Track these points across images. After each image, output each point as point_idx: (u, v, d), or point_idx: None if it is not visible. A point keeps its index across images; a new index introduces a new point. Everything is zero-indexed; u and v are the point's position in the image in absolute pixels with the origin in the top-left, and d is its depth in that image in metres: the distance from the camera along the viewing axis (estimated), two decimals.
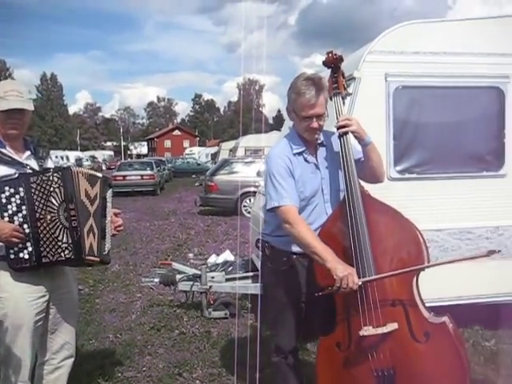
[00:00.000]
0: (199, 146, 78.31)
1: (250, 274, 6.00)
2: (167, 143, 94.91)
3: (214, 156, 35.85)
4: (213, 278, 5.84)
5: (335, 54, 3.06)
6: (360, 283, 2.70)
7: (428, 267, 2.81)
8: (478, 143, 4.81)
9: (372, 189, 3.03)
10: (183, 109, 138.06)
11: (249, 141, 23.62)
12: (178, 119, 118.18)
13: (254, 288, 5.60)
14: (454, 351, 2.82)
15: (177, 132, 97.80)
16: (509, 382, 4.03)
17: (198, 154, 53.47)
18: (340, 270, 2.66)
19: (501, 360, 4.38)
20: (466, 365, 2.84)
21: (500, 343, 4.76)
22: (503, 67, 4.71)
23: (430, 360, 2.80)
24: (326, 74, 3.19)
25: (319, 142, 3.06)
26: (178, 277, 5.95)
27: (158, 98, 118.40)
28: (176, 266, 6.34)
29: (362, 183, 3.00)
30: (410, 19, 4.75)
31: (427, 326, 2.82)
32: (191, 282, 5.84)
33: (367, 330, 2.77)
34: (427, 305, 2.91)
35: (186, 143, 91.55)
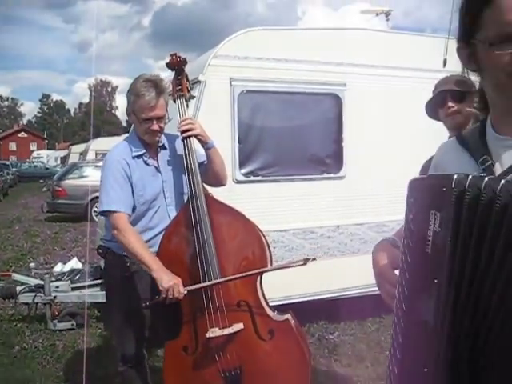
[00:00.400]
0: (48, 149, 74.25)
1: (99, 281, 5.77)
2: (12, 146, 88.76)
3: (64, 160, 34.22)
4: (57, 287, 5.53)
5: (179, 57, 3.04)
6: (185, 292, 2.70)
7: (249, 276, 2.83)
8: (318, 147, 5.07)
9: (217, 191, 3.06)
10: (30, 109, 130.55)
11: (100, 144, 22.78)
12: (24, 120, 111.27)
13: (102, 296, 5.38)
14: (296, 346, 2.92)
15: (23, 134, 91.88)
16: (349, 371, 4.28)
17: (47, 157, 50.74)
18: (165, 280, 2.65)
19: (342, 351, 4.65)
20: (307, 358, 2.95)
21: (342, 335, 5.05)
22: (340, 75, 4.99)
23: (275, 356, 2.88)
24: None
25: (160, 144, 3.02)
26: (19, 288, 5.55)
27: (1, 98, 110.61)
28: (16, 276, 5.91)
29: (207, 187, 3.01)
30: (263, 26, 4.90)
31: (271, 324, 2.89)
32: (33, 294, 5.47)
33: (213, 332, 2.78)
34: (276, 303, 3.00)
35: (33, 146, 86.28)
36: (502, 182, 0.98)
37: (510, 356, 0.93)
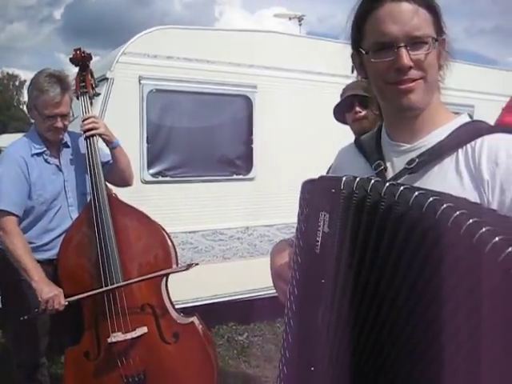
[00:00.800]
0: None
1: None
2: None
3: None
4: None
5: (83, 52, 2.94)
6: (66, 303, 2.63)
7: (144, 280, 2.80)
8: (228, 148, 5.07)
9: (125, 192, 2.99)
10: None
11: (6, 140, 21.66)
12: None
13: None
14: (201, 349, 2.90)
15: None
16: (257, 371, 4.31)
17: None
18: (45, 291, 2.57)
19: (252, 352, 4.67)
20: (213, 361, 2.94)
21: (251, 336, 5.07)
22: (251, 77, 5.02)
23: (180, 360, 2.85)
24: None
25: (63, 142, 2.90)
26: None
27: None
28: None
29: (114, 188, 2.93)
30: (178, 25, 4.84)
31: (176, 327, 2.86)
32: None
33: (116, 337, 2.71)
34: (184, 306, 2.97)
35: None
36: (387, 184, 1.00)
37: (400, 357, 0.95)
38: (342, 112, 2.85)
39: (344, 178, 1.04)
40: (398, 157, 1.20)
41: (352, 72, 4.96)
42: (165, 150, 4.69)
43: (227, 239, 4.98)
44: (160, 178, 4.68)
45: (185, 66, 4.70)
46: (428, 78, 1.13)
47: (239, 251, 5.05)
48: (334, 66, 5.48)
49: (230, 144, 5.06)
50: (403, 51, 1.10)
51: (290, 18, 7.81)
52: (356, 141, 1.37)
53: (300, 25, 7.80)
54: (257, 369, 4.36)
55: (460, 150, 1.12)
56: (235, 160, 5.08)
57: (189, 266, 2.83)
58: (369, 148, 1.29)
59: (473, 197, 1.05)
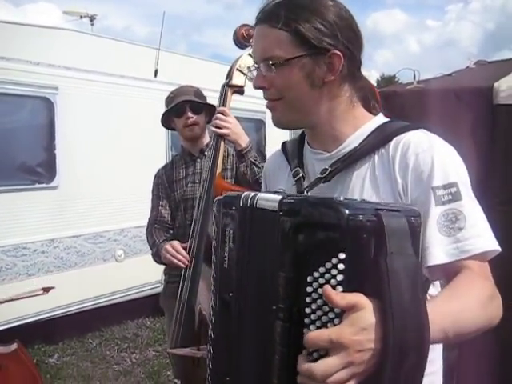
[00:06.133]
0: None
1: None
2: None
3: None
4: None
5: None
6: None
7: None
8: (28, 154, 4.67)
9: None
10: None
11: None
12: None
13: None
14: (31, 375, 2.66)
15: None
16: None
17: None
18: None
19: (67, 373, 4.34)
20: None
21: (63, 356, 4.73)
22: (52, 78, 4.67)
23: None
24: None
25: None
26: None
27: None
28: None
29: None
30: None
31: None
32: None
33: None
34: None
35: None
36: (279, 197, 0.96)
37: None
38: (169, 117, 2.76)
39: (243, 195, 1.06)
40: (320, 165, 1.17)
41: (155, 76, 4.97)
42: None
43: (32, 254, 4.56)
44: None
45: None
46: (287, 98, 1.12)
47: (45, 266, 4.66)
48: (138, 70, 5.40)
49: (30, 150, 4.65)
50: (258, 72, 1.14)
51: (81, 17, 7.45)
52: (283, 145, 1.33)
53: (92, 24, 7.48)
54: None
55: (375, 155, 1.11)
56: (36, 167, 4.68)
57: (45, 290, 2.57)
58: (291, 153, 1.27)
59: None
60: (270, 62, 1.09)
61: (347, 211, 0.81)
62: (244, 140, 2.39)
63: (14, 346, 2.66)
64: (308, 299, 0.83)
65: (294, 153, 1.26)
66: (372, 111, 1.21)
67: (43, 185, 4.71)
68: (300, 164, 1.22)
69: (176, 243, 2.42)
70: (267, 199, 0.98)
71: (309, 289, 0.83)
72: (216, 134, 2.34)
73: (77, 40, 5.02)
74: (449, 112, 2.64)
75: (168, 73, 5.26)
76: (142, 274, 5.37)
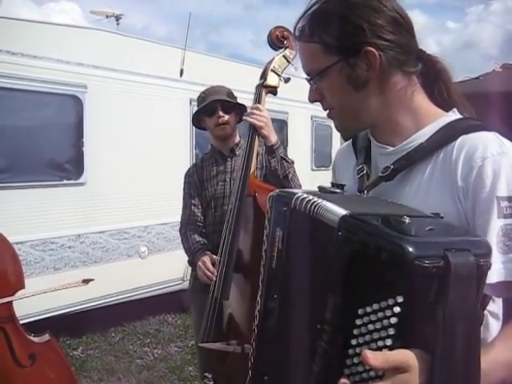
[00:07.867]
0: None
1: None
2: None
3: None
4: None
5: None
6: None
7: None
8: (57, 151, 4.74)
9: None
10: None
11: None
12: None
13: None
14: (63, 365, 2.76)
15: None
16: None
17: None
18: None
19: (91, 366, 4.42)
20: (74, 375, 2.83)
21: (87, 350, 4.81)
22: (80, 76, 4.75)
23: (39, 382, 2.64)
24: None
25: None
26: None
27: None
28: None
29: None
30: None
31: (32, 348, 2.63)
32: None
33: None
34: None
35: None
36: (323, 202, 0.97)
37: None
38: (200, 116, 2.81)
39: (295, 195, 1.04)
40: (383, 160, 1.13)
41: (181, 76, 5.05)
42: None
43: (58, 248, 4.64)
44: None
45: (7, 60, 4.26)
46: (337, 106, 1.13)
47: (71, 261, 4.75)
48: (163, 69, 5.47)
49: (58, 147, 4.73)
50: (310, 86, 1.16)
51: (107, 16, 7.53)
52: (353, 139, 1.29)
53: (118, 24, 7.56)
54: (100, 383, 4.16)
55: (440, 154, 1.05)
56: (65, 164, 4.76)
57: (85, 281, 2.63)
58: (360, 148, 1.24)
59: (447, 206, 1.00)
60: (311, 76, 1.13)
61: (413, 251, 0.75)
62: (274, 136, 2.45)
63: (47, 336, 2.74)
64: (356, 331, 0.81)
65: (362, 147, 1.23)
66: (445, 100, 1.15)
67: (71, 181, 4.79)
68: (367, 160, 1.19)
69: (207, 261, 2.46)
70: (327, 210, 0.92)
71: (358, 321, 0.81)
72: (252, 124, 2.37)
73: (105, 39, 5.09)
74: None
75: (193, 72, 5.33)
76: (164, 271, 5.45)
